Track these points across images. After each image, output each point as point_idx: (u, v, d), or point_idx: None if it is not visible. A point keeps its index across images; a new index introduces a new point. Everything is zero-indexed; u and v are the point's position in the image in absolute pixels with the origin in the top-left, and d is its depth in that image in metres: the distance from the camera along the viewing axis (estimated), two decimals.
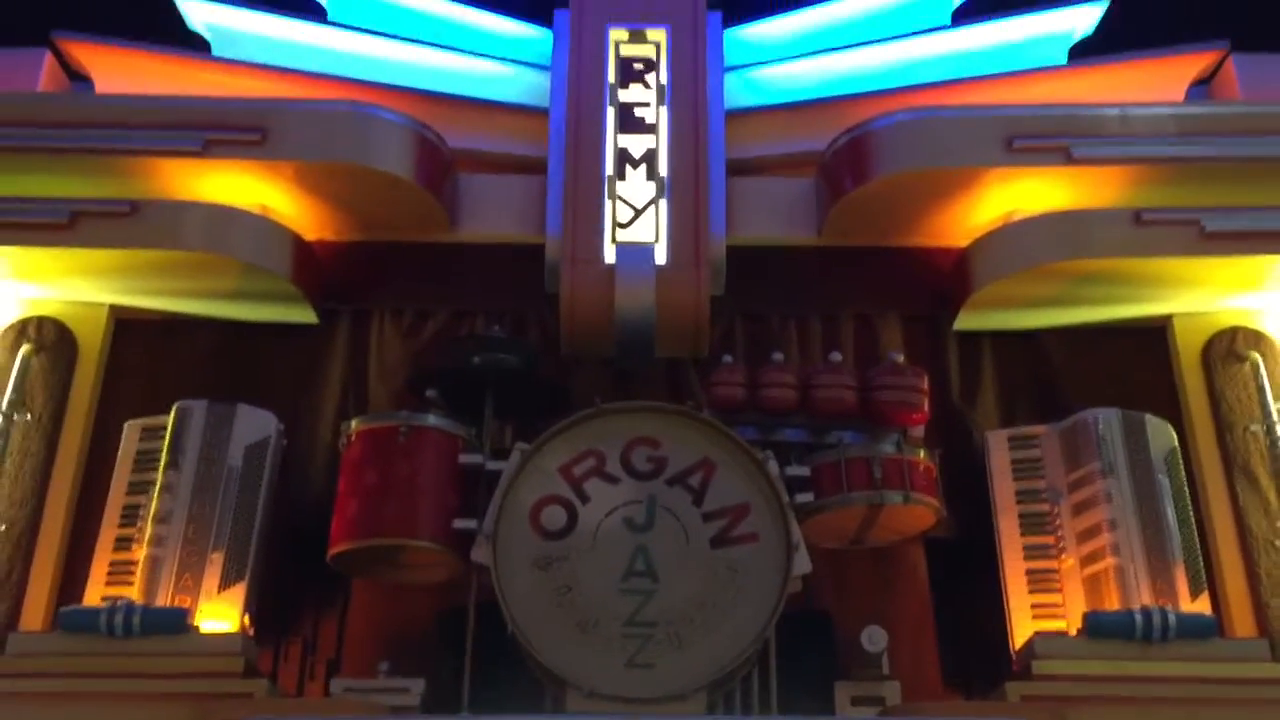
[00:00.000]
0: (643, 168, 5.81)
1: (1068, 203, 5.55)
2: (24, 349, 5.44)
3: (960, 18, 6.58)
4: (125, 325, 5.70)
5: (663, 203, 5.71)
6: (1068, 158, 5.43)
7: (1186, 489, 5.02)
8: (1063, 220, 5.42)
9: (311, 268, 5.69)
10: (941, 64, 6.27)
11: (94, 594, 4.83)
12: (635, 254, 5.60)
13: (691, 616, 4.34)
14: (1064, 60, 6.37)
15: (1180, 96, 6.09)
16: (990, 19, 6.37)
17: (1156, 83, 6.08)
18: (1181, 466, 5.07)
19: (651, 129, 5.90)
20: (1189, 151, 5.46)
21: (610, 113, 5.89)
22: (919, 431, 5.03)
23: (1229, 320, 5.59)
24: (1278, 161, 5.45)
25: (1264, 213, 5.31)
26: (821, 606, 5.09)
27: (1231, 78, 6.03)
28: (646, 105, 5.96)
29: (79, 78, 6.18)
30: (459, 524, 4.57)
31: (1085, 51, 6.40)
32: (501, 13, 6.53)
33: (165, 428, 5.02)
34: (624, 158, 5.83)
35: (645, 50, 6.08)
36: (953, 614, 5.28)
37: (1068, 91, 6.02)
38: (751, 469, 4.58)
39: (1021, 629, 4.80)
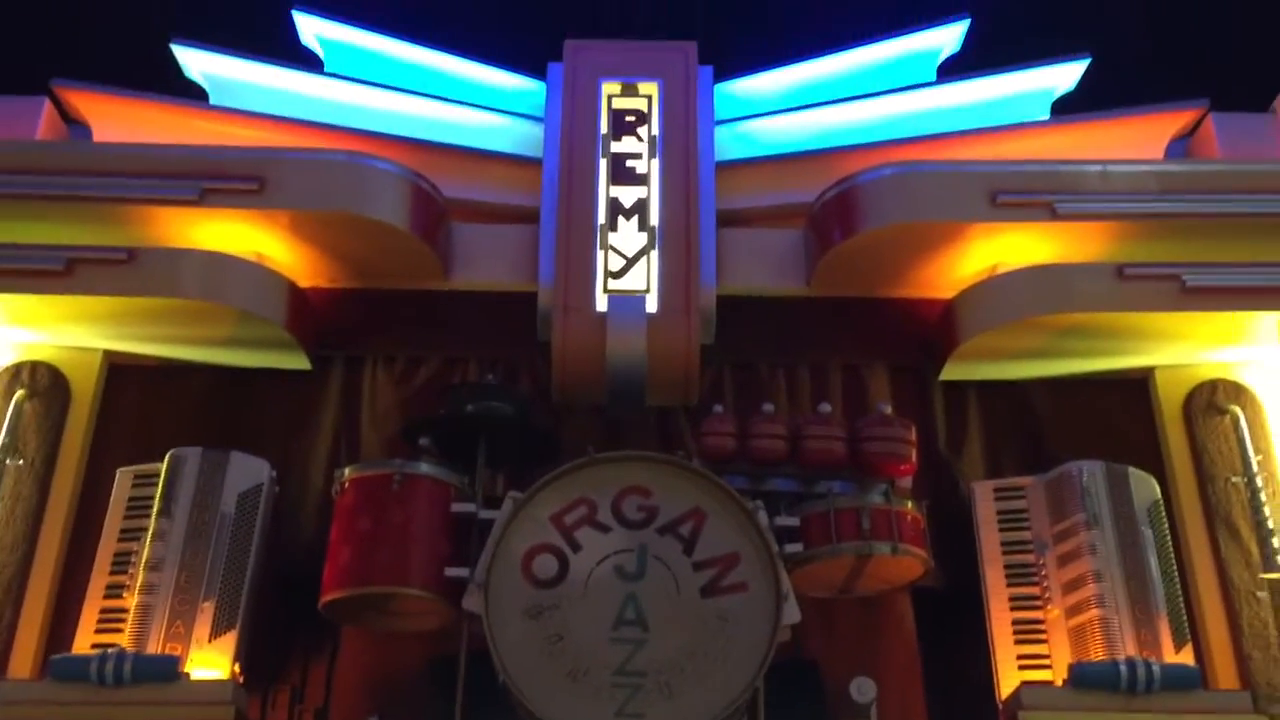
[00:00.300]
0: (634, 218, 5.90)
1: (1051, 257, 5.65)
2: (18, 394, 5.46)
3: (945, 74, 6.70)
4: (119, 371, 5.73)
5: (654, 253, 5.80)
6: (1051, 213, 5.54)
7: (1170, 541, 5.09)
8: (1046, 274, 5.51)
9: (306, 315, 5.74)
10: (927, 119, 6.37)
11: (84, 641, 4.83)
12: (626, 303, 5.67)
13: (681, 666, 4.36)
14: (1047, 115, 6.50)
15: (1160, 152, 6.23)
16: (975, 76, 6.49)
17: (1138, 139, 6.22)
18: (1165, 518, 5.14)
19: (643, 180, 5.99)
20: (1169, 208, 5.58)
21: (603, 164, 6.00)
22: (907, 482, 5.09)
23: (1210, 373, 5.69)
24: (1256, 218, 5.58)
25: (1243, 268, 5.42)
26: (810, 655, 5.13)
27: (1211, 135, 6.16)
28: (638, 157, 6.06)
29: (78, 123, 6.25)
30: (451, 572, 4.59)
31: (1068, 107, 6.53)
32: (496, 65, 6.61)
33: (158, 474, 5.04)
34: (616, 208, 5.92)
35: (637, 103, 6.19)
36: (941, 663, 5.31)
37: (1051, 147, 6.14)
38: (741, 519, 4.62)
39: (1008, 679, 4.84)
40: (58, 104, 6.17)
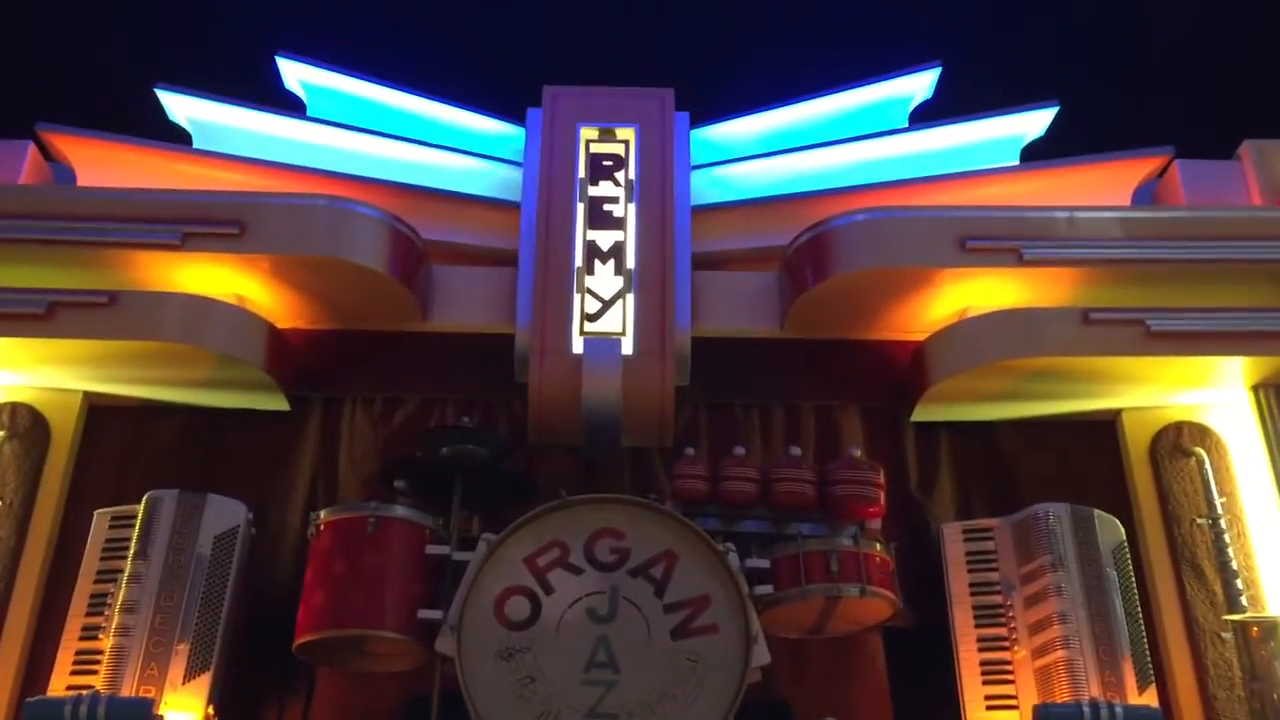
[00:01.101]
0: (611, 261, 5.99)
1: (1019, 301, 5.76)
2: None
3: (918, 120, 6.84)
4: (99, 412, 5.78)
5: (630, 296, 5.88)
6: (1019, 258, 5.64)
7: (1135, 582, 5.17)
8: (1014, 318, 5.61)
9: (284, 356, 5.81)
10: (899, 164, 6.50)
11: (59, 683, 4.85)
12: (602, 346, 5.75)
13: (652, 707, 4.40)
14: (1017, 160, 6.63)
15: (1128, 198, 6.35)
16: (946, 122, 6.62)
17: (1105, 185, 6.34)
18: (1129, 560, 5.22)
19: (620, 224, 6.08)
20: (1135, 254, 5.70)
21: (580, 208, 6.08)
22: (877, 524, 5.16)
23: (1176, 415, 5.78)
24: (1220, 264, 5.69)
25: (1207, 313, 5.52)
26: (780, 695, 5.17)
27: (1176, 182, 6.28)
28: (615, 201, 6.15)
29: (62, 164, 6.30)
30: (424, 614, 4.64)
31: (1037, 153, 6.66)
32: (476, 110, 6.72)
33: (135, 516, 5.08)
34: (593, 251, 6.00)
35: (615, 148, 6.29)
36: (911, 703, 5.35)
37: (1020, 192, 6.26)
38: (713, 560, 4.67)
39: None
40: (42, 147, 6.24)
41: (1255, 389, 5.66)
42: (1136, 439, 5.78)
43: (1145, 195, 6.41)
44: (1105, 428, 5.89)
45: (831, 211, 5.96)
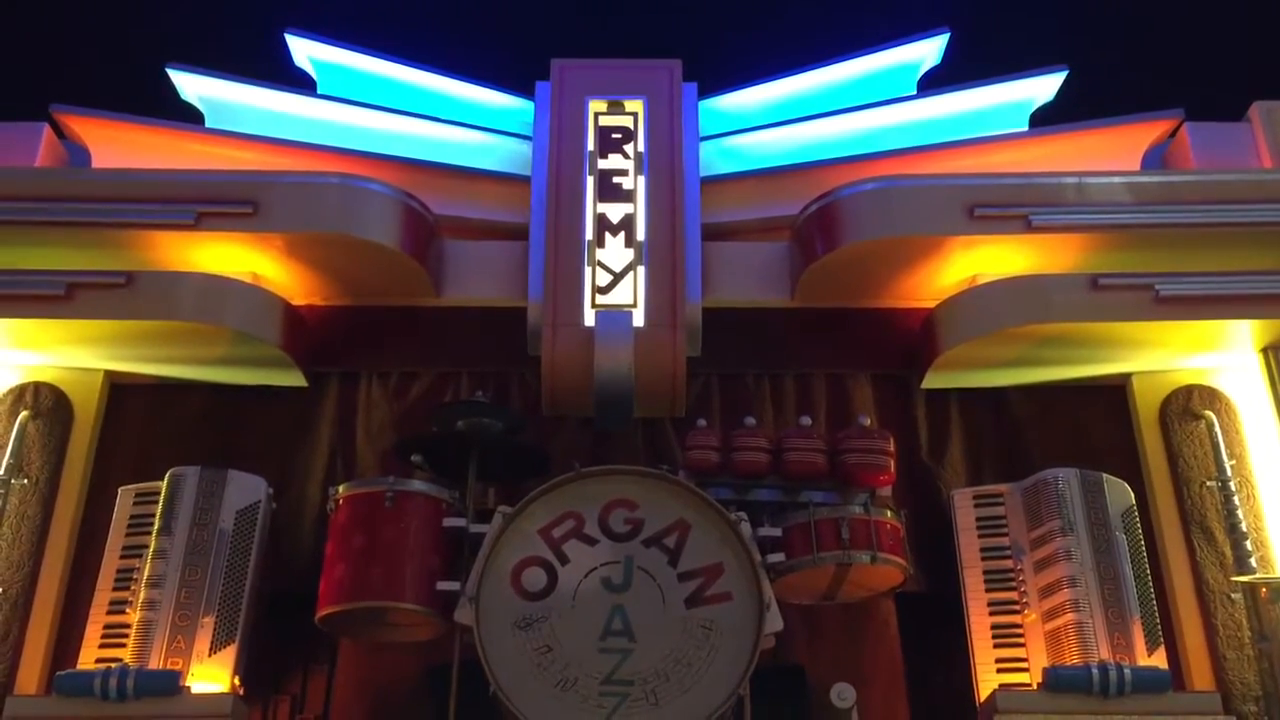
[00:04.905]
0: (621, 234, 6.03)
1: (1028, 268, 5.77)
2: (22, 415, 5.60)
3: (926, 86, 6.82)
4: (120, 390, 5.87)
5: (640, 268, 5.93)
6: (1027, 225, 5.65)
7: (1144, 546, 5.22)
8: (1023, 285, 5.63)
9: (300, 333, 5.87)
10: (908, 131, 6.50)
11: (88, 656, 4.97)
12: (614, 318, 5.80)
13: (667, 674, 4.47)
14: (1026, 125, 6.61)
15: (1137, 162, 6.33)
16: (955, 89, 6.60)
17: (1115, 149, 6.33)
18: (1139, 524, 5.26)
19: (629, 196, 6.12)
20: (1143, 219, 5.70)
21: (590, 181, 6.12)
22: (887, 491, 5.21)
23: (1185, 379, 5.81)
24: (1228, 227, 5.68)
25: (1216, 277, 5.53)
26: (794, 660, 5.26)
27: (1186, 145, 6.26)
28: (625, 173, 6.18)
29: (77, 145, 6.36)
30: (442, 586, 4.71)
31: (1047, 117, 6.64)
32: (485, 84, 6.73)
33: (158, 493, 5.18)
34: (603, 224, 6.04)
35: (623, 120, 6.32)
36: (923, 666, 5.43)
37: (1028, 158, 6.26)
38: (725, 530, 4.73)
39: (986, 682, 4.97)
40: (57, 129, 6.30)
41: (1265, 352, 5.68)
42: (1146, 403, 5.81)
43: (1155, 159, 6.39)
44: (1115, 392, 5.92)
45: (840, 180, 5.98)
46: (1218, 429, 5.62)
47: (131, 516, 5.27)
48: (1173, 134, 6.38)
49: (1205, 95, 6.48)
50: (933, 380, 5.91)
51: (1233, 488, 5.47)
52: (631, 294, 5.90)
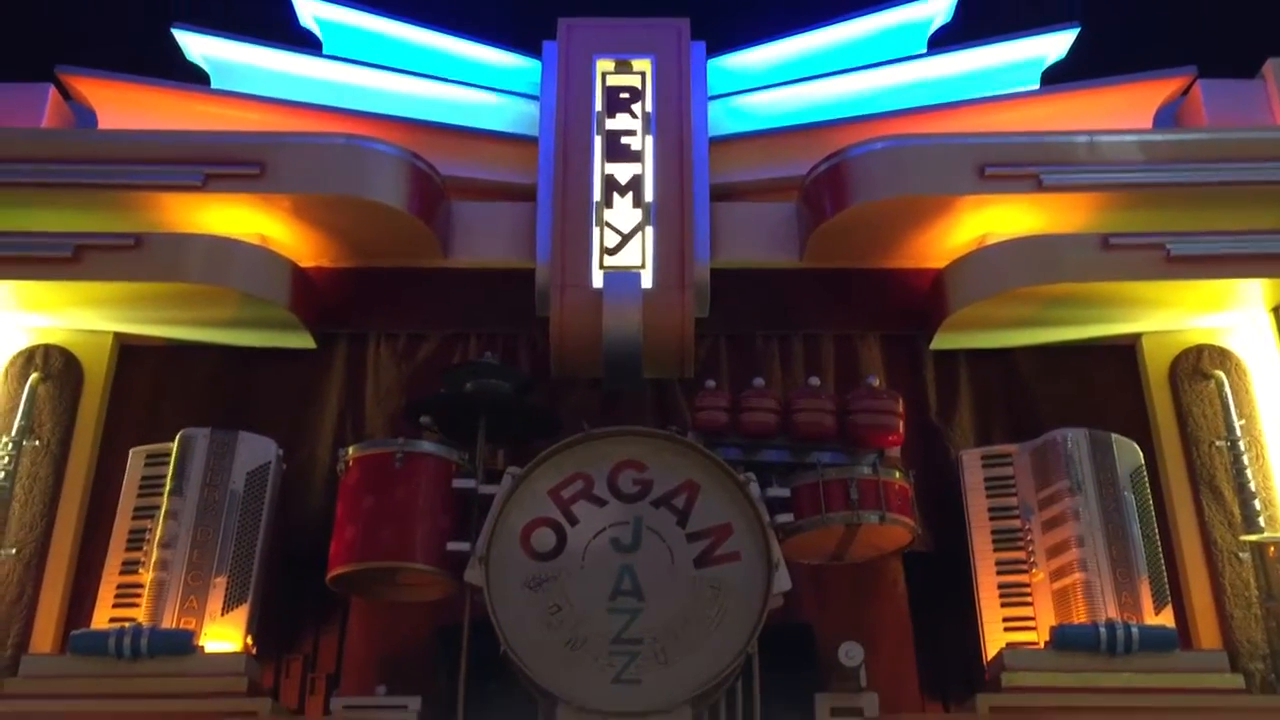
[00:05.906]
0: (629, 195, 6.01)
1: (1039, 227, 5.74)
2: (32, 377, 5.62)
3: (936, 45, 6.75)
4: (130, 352, 5.89)
5: (649, 229, 5.91)
6: (1038, 184, 5.61)
7: (1152, 505, 5.22)
8: (1033, 245, 5.61)
9: (309, 295, 5.88)
10: (918, 90, 6.44)
11: (102, 616, 5.01)
12: (622, 279, 5.79)
13: (676, 633, 4.50)
14: (1037, 83, 6.56)
15: (1149, 120, 6.27)
16: (965, 47, 6.53)
17: (1126, 107, 6.27)
18: (1147, 484, 5.26)
19: (637, 156, 6.09)
20: (1154, 178, 5.66)
21: (597, 141, 6.09)
22: (896, 451, 5.21)
23: (1195, 339, 5.79)
24: (1240, 186, 5.65)
25: (1226, 236, 5.51)
26: (803, 619, 5.28)
27: (1199, 102, 6.21)
28: (632, 134, 6.15)
29: (83, 106, 6.34)
30: (452, 546, 4.74)
31: (1058, 75, 6.58)
32: (491, 44, 6.68)
33: (169, 454, 5.20)
34: (611, 185, 6.02)
35: (631, 80, 6.28)
36: (931, 625, 5.46)
37: (1040, 117, 6.20)
38: (734, 490, 4.75)
39: (994, 641, 5.00)
40: (63, 90, 6.27)
41: (1275, 311, 5.66)
42: (1156, 363, 5.79)
43: (1167, 117, 6.34)
44: (1125, 352, 5.91)
45: (850, 140, 5.93)
46: (1227, 388, 5.61)
47: (143, 478, 5.29)
48: (1185, 92, 6.32)
49: (1219, 52, 6.41)
50: (941, 341, 5.90)
51: (1242, 447, 5.47)
52: (640, 255, 5.89)
